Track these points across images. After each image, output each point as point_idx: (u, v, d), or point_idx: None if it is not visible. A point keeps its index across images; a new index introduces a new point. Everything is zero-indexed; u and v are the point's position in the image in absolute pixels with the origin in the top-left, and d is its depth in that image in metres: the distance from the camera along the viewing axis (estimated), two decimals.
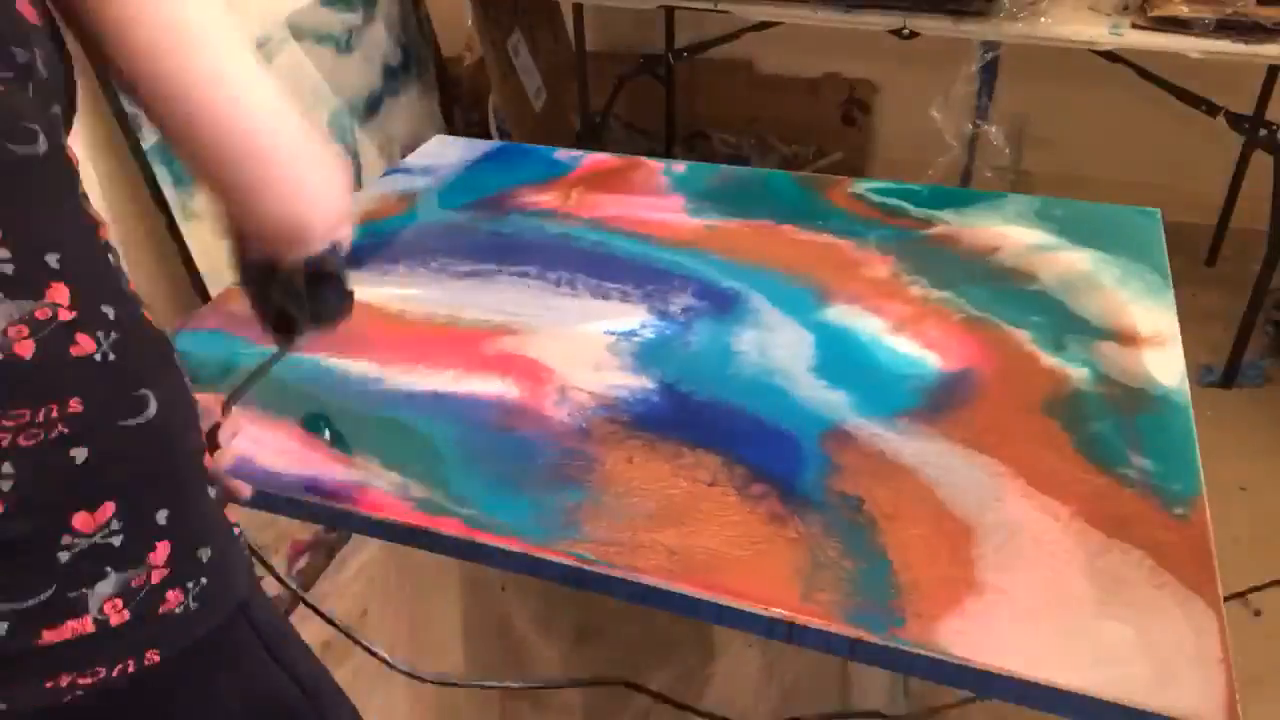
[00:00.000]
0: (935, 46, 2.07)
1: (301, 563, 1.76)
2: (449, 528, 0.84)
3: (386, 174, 1.50)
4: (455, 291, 1.17)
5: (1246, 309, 2.05)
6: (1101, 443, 0.89)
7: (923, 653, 0.71)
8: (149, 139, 1.94)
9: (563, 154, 1.51)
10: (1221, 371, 2.15)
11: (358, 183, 2.47)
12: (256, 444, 0.93)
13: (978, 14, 1.96)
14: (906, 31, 2.02)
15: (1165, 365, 0.98)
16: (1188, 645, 0.70)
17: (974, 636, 0.72)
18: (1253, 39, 1.80)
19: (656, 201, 1.36)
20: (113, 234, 0.57)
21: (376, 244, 1.29)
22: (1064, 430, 0.90)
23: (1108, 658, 0.69)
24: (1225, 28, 1.81)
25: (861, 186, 1.38)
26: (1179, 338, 1.02)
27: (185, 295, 2.14)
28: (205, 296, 2.03)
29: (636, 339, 1.07)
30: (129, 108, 1.90)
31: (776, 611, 0.75)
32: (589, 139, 2.56)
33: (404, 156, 1.56)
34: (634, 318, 1.11)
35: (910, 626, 0.73)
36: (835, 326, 1.08)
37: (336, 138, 2.42)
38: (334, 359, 1.05)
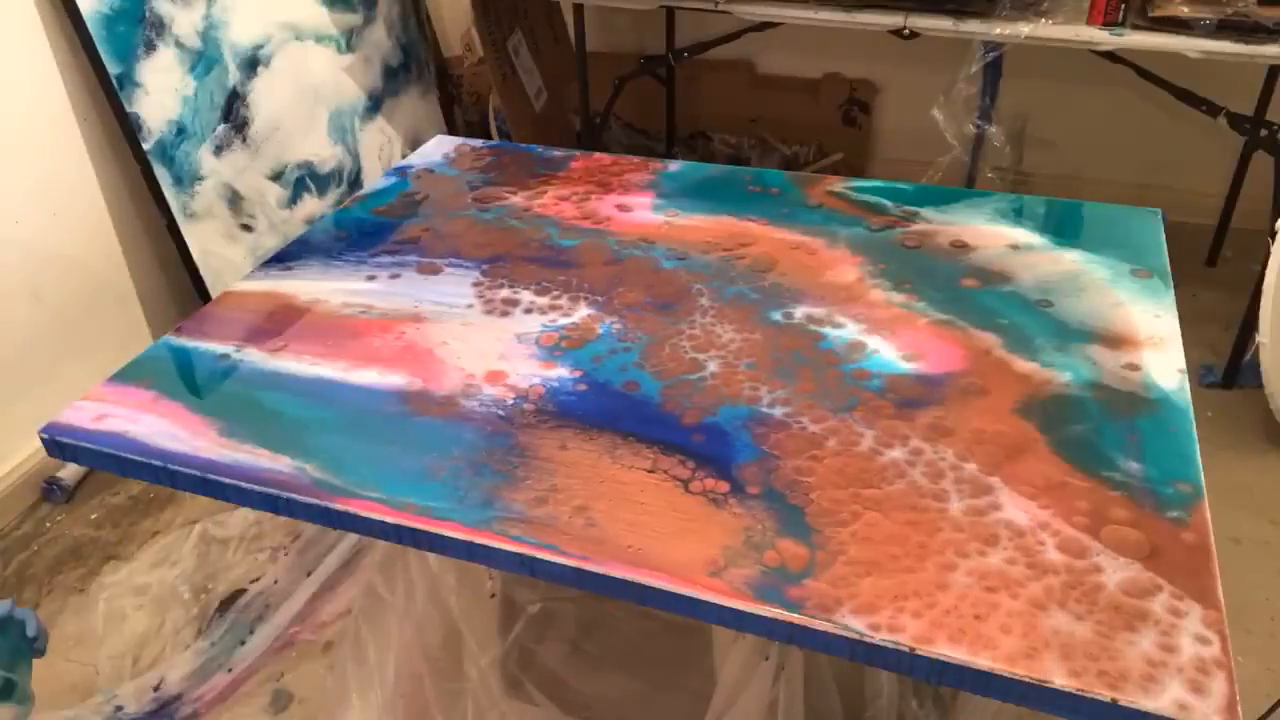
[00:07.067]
0: (935, 46, 2.06)
1: (282, 557, 1.77)
2: (348, 505, 0.85)
3: (386, 174, 1.50)
4: (380, 283, 1.18)
5: (1246, 309, 2.05)
6: (1085, 446, 0.88)
7: (922, 653, 0.70)
8: (149, 139, 1.94)
9: (554, 153, 1.51)
10: (1221, 371, 2.15)
11: (358, 183, 2.47)
12: (150, 427, 0.95)
13: (978, 14, 1.96)
14: (906, 31, 2.02)
15: (1165, 366, 0.98)
16: (1184, 647, 0.70)
17: (915, 626, 0.72)
18: (1253, 39, 1.80)
19: (625, 199, 1.36)
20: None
21: (309, 237, 1.30)
22: (1041, 432, 0.90)
23: (1094, 658, 0.69)
24: (1226, 28, 1.81)
25: (843, 184, 1.37)
26: (1179, 338, 1.01)
27: (185, 295, 2.14)
28: (205, 296, 2.04)
29: (576, 331, 1.07)
30: (130, 108, 1.90)
31: (659, 582, 0.76)
32: (589, 139, 2.56)
33: (404, 156, 1.56)
34: (574, 310, 1.11)
35: (815, 602, 0.74)
36: (786, 324, 1.07)
37: (337, 138, 2.42)
38: (227, 346, 1.06)
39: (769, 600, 0.74)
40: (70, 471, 1.98)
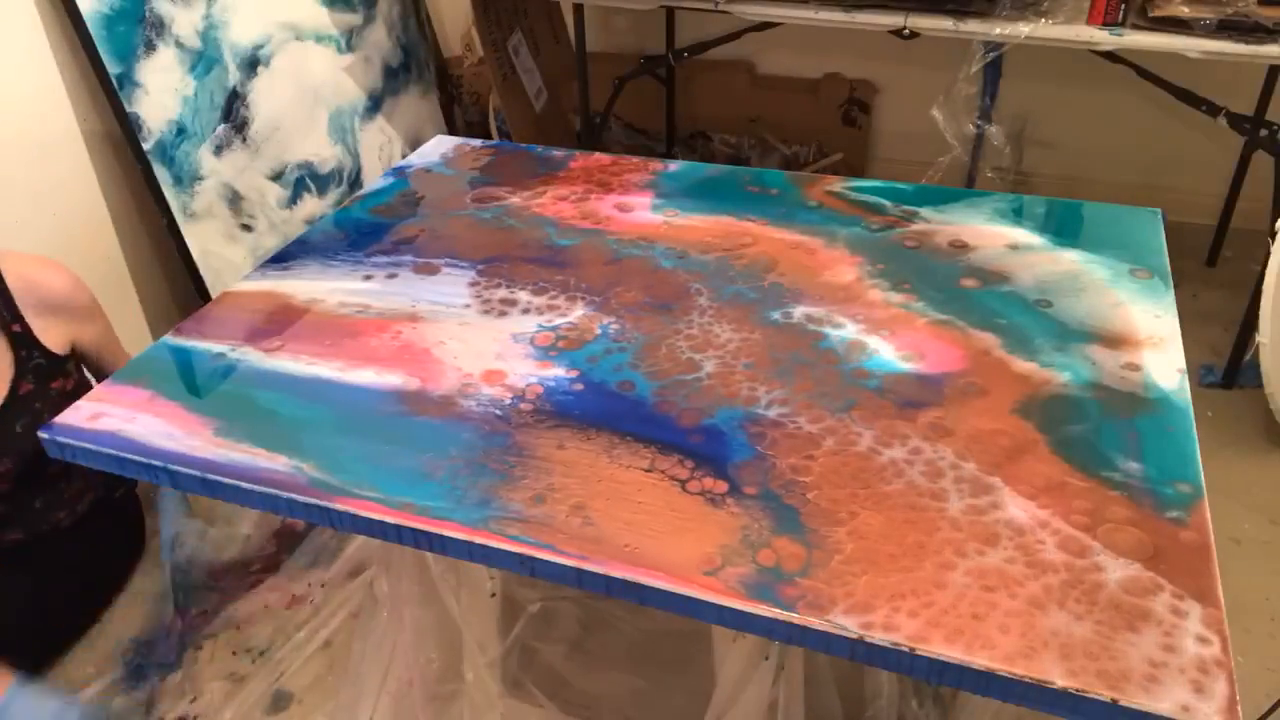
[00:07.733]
0: (935, 46, 2.06)
1: (272, 547, 1.77)
2: (347, 505, 0.85)
3: (386, 174, 1.50)
4: (377, 283, 1.17)
5: (1246, 309, 2.04)
6: (1085, 445, 0.88)
7: (921, 653, 0.70)
8: (149, 139, 1.94)
9: (554, 153, 1.51)
10: (1221, 371, 2.15)
11: (358, 183, 2.47)
12: (146, 427, 0.95)
13: (978, 14, 1.96)
14: (906, 31, 2.02)
15: (1165, 366, 0.97)
16: (1185, 648, 0.70)
17: (911, 625, 0.72)
18: (1253, 39, 1.80)
19: (624, 199, 1.36)
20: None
21: (307, 237, 1.30)
22: (1040, 432, 0.89)
23: (1093, 658, 0.69)
24: (1226, 28, 1.81)
25: (842, 184, 1.37)
26: (1179, 338, 1.01)
27: (185, 295, 2.14)
28: (205, 296, 2.04)
29: (573, 331, 1.07)
30: (130, 108, 1.90)
31: (658, 581, 0.76)
32: (589, 139, 2.56)
33: (404, 156, 1.55)
34: (571, 310, 1.11)
35: (809, 600, 0.74)
36: (785, 324, 1.07)
37: (337, 138, 2.42)
38: (223, 345, 1.07)
39: (763, 599, 0.74)
40: None
